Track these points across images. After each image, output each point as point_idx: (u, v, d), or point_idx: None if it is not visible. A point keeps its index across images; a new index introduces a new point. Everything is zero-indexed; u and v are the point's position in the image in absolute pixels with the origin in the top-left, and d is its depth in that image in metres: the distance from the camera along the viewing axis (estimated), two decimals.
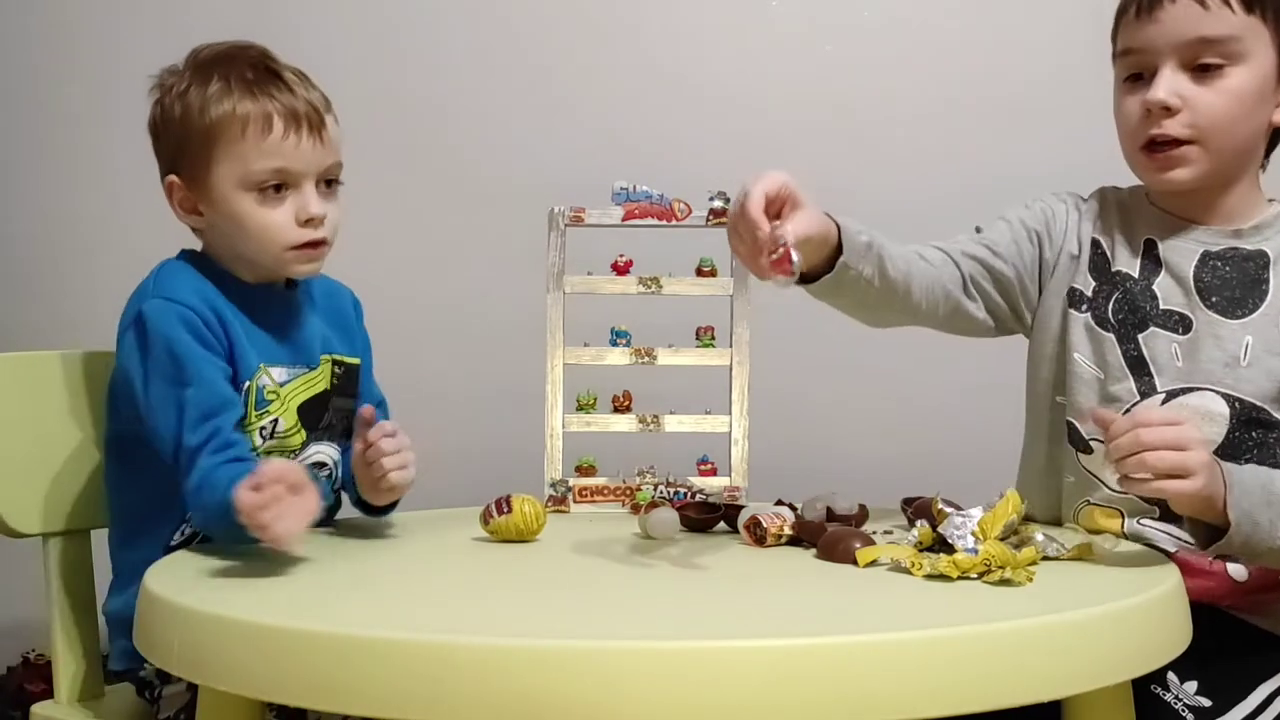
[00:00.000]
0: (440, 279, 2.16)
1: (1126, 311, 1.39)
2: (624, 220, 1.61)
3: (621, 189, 1.61)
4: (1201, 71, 1.33)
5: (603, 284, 1.62)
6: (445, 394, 2.13)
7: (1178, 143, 1.34)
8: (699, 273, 1.62)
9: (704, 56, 2.15)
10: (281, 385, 1.40)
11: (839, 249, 1.27)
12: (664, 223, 1.61)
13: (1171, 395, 1.36)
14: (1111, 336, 1.39)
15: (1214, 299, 1.36)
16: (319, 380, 1.44)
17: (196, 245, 1.45)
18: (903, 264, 1.34)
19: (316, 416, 1.44)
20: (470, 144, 2.17)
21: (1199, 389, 1.35)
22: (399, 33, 2.18)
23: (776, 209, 1.18)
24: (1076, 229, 1.44)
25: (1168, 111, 1.33)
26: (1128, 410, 1.32)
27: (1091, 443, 1.40)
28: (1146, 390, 1.37)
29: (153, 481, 1.37)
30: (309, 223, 1.38)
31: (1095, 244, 1.42)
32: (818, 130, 2.11)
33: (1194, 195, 1.39)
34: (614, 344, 1.62)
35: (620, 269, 1.62)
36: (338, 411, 1.48)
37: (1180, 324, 1.37)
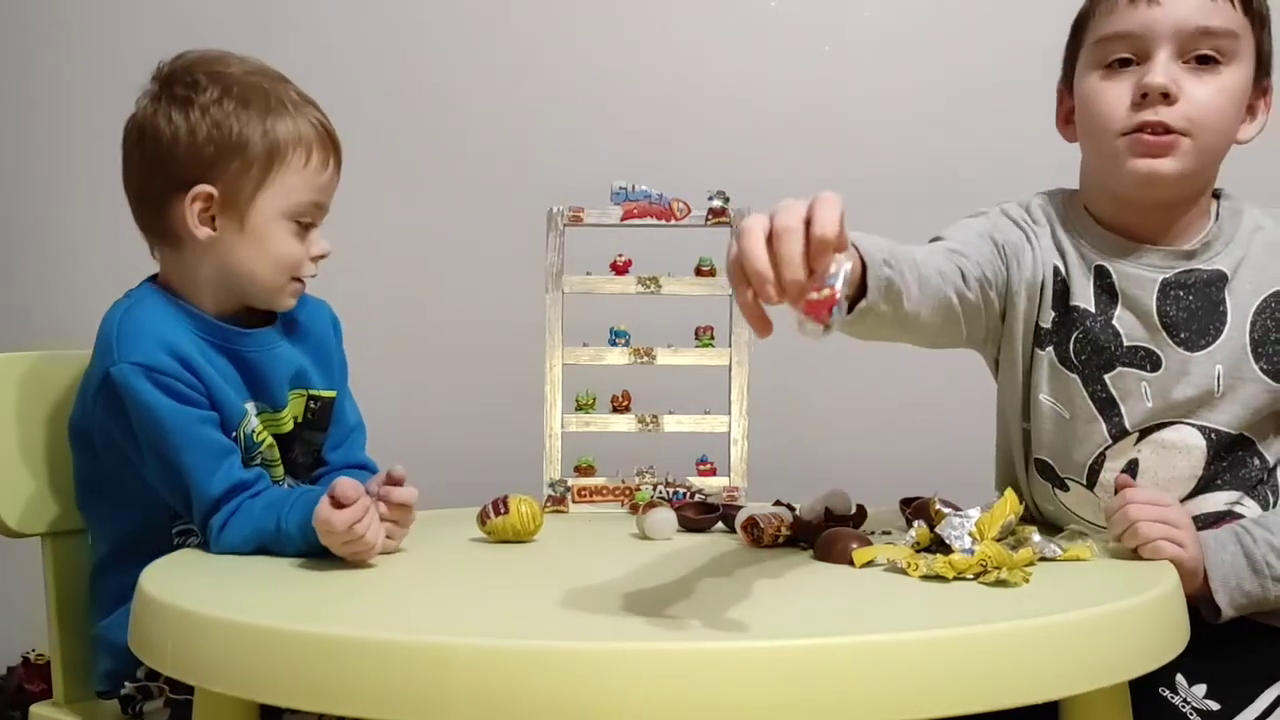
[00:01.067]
0: (439, 279, 2.16)
1: (1090, 352, 1.34)
2: (623, 220, 1.61)
3: (620, 189, 1.61)
4: (1196, 64, 1.29)
5: (601, 284, 1.62)
6: (444, 394, 2.13)
7: (1169, 132, 1.28)
8: (698, 272, 1.62)
9: (703, 56, 2.15)
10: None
11: (861, 284, 1.08)
12: (663, 222, 1.61)
13: (1145, 433, 1.34)
14: (1076, 378, 1.35)
15: (1182, 334, 1.32)
16: (284, 421, 1.43)
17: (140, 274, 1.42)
18: (916, 290, 1.17)
19: (283, 453, 1.44)
20: (469, 144, 2.17)
21: (1173, 423, 1.33)
22: (398, 32, 2.18)
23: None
24: (1042, 259, 1.37)
25: (1165, 98, 1.28)
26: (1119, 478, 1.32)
27: (1067, 480, 1.39)
28: (1116, 430, 1.34)
29: (130, 514, 1.38)
30: (314, 259, 1.40)
31: (1056, 272, 1.37)
32: (816, 130, 2.11)
33: (1149, 212, 1.35)
34: (613, 344, 1.62)
35: (619, 269, 1.62)
36: (306, 445, 1.47)
37: (1148, 360, 1.33)
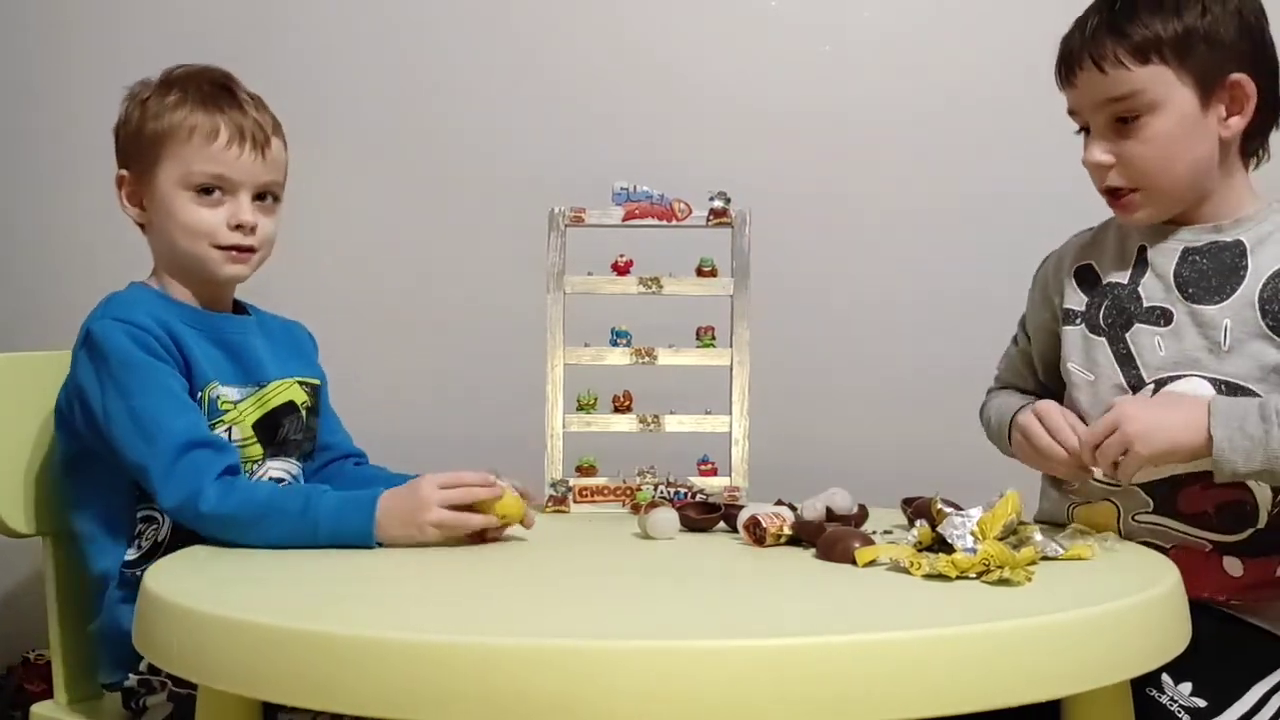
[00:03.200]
0: (441, 279, 2.17)
1: (1115, 315, 1.42)
2: (624, 220, 1.61)
3: (622, 189, 1.61)
4: (1123, 124, 1.37)
5: (603, 284, 1.62)
6: (446, 394, 2.14)
7: (1128, 190, 1.39)
8: (699, 273, 1.62)
9: (704, 57, 2.15)
10: (235, 404, 1.43)
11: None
12: (664, 223, 1.61)
13: (1160, 384, 1.38)
14: (1102, 340, 1.42)
15: (1191, 290, 1.39)
16: (271, 398, 1.47)
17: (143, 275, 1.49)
18: None
19: (271, 433, 1.47)
20: (470, 144, 2.17)
21: (1185, 375, 1.37)
22: (399, 33, 2.18)
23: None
24: (1060, 295, 1.48)
25: (1106, 168, 1.38)
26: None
27: None
28: (1134, 381, 1.39)
29: (105, 498, 1.40)
30: (238, 228, 1.45)
31: (1080, 271, 1.47)
32: (816, 130, 2.11)
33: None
34: (614, 344, 1.62)
35: (620, 269, 1.62)
36: (305, 428, 1.51)
37: (1162, 317, 1.39)
